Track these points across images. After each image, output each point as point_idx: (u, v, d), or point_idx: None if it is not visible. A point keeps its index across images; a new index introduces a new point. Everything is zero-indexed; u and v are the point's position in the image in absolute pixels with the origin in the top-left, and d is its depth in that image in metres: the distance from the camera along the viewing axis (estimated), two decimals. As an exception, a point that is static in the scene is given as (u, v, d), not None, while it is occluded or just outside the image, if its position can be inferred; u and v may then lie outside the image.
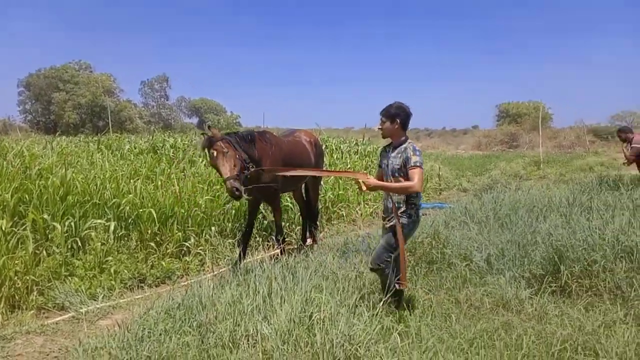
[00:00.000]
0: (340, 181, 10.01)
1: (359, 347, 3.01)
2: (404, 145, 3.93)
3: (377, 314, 3.63)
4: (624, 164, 10.04)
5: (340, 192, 9.42)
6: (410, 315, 4.05)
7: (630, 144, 8.58)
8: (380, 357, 2.96)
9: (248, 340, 3.40)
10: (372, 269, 4.09)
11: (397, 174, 3.90)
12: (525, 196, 7.38)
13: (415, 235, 5.89)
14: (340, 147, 13.27)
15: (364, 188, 3.89)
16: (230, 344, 3.43)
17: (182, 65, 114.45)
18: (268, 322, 3.44)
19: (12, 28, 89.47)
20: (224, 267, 6.01)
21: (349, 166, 11.62)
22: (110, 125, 24.77)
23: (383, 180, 4.05)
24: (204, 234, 6.53)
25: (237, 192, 4.78)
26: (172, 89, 66.38)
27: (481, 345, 3.45)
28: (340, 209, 9.12)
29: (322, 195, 8.85)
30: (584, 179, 11.08)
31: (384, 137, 4.07)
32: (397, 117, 3.93)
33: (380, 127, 4.01)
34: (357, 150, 13.73)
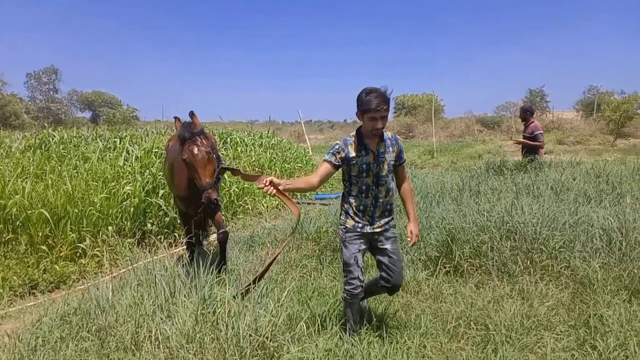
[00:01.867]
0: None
1: (266, 338, 3.03)
2: (388, 135, 3.31)
3: (282, 304, 3.68)
4: (515, 142, 10.80)
5: (245, 186, 9.34)
6: (318, 302, 4.15)
7: (526, 126, 9.15)
8: (287, 346, 3.00)
9: (151, 342, 3.30)
10: (397, 287, 3.47)
11: (388, 173, 3.29)
12: (420, 183, 7.77)
13: (320, 224, 6.05)
14: (244, 140, 13.13)
15: (272, 191, 3.19)
16: (133, 347, 3.31)
17: (74, 57, 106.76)
18: (172, 321, 3.36)
19: None
20: (124, 268, 5.75)
21: (253, 159, 11.54)
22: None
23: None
24: (100, 234, 6.19)
25: (217, 201, 4.14)
26: (64, 82, 61.82)
27: (384, 327, 3.62)
28: (245, 203, 9.06)
29: (227, 189, 8.75)
30: (473, 166, 11.87)
31: (379, 132, 3.17)
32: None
33: (379, 119, 3.09)
34: (262, 143, 13.67)
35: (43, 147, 9.51)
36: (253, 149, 12.62)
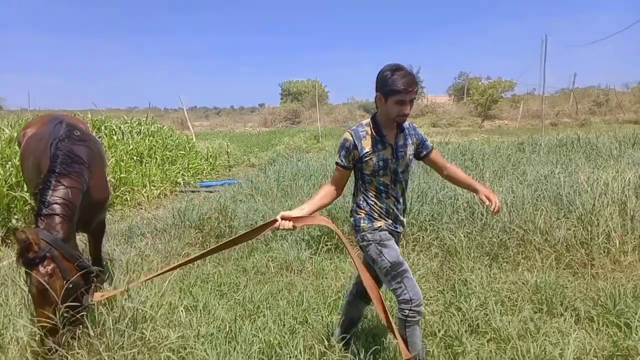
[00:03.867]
0: (122, 163, 9.42)
1: (144, 328, 2.93)
2: (404, 125, 2.69)
3: (163, 293, 3.58)
4: None
5: (122, 175, 8.86)
6: (201, 290, 4.09)
7: None
8: (166, 333, 2.93)
9: (19, 343, 3.05)
10: (419, 308, 2.57)
11: (407, 169, 2.73)
12: (304, 167, 7.93)
13: (203, 212, 5.94)
14: (120, 127, 12.42)
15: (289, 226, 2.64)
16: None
17: None
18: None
19: None
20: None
21: (131, 147, 10.95)
22: None
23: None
24: None
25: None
26: None
27: (266, 307, 3.67)
28: (123, 193, 8.59)
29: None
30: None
31: (405, 119, 2.60)
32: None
33: (408, 102, 2.50)
34: (140, 130, 13.02)
35: None
36: (131, 136, 11.99)
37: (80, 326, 2.81)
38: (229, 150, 14.73)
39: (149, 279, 3.09)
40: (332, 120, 34.94)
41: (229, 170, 13.34)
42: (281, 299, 3.90)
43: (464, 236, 4.68)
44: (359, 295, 2.94)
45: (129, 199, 8.63)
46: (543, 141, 9.22)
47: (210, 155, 13.42)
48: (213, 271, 4.56)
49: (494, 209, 2.70)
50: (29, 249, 2.63)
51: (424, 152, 2.80)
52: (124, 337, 2.83)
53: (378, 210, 2.69)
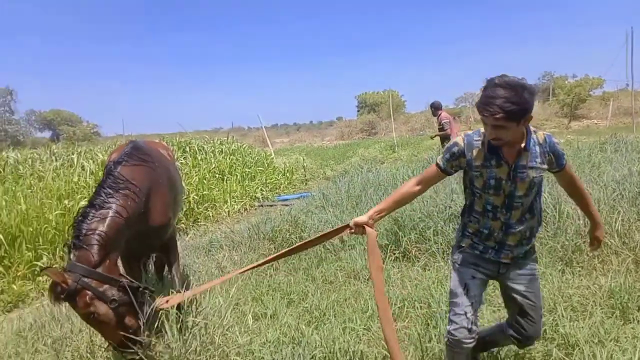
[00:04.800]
0: (205, 181, 10.01)
1: (215, 333, 3.16)
2: (536, 139, 2.29)
3: (235, 303, 3.83)
4: (431, 137, 11.92)
5: (205, 193, 9.41)
6: (272, 298, 4.31)
7: (438, 119, 9.93)
8: (235, 339, 3.15)
9: (106, 348, 3.39)
10: (532, 340, 2.57)
11: (529, 192, 2.32)
12: (374, 177, 8.01)
13: (276, 224, 6.20)
14: (204, 147, 13.18)
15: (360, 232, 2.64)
16: (88, 354, 3.41)
17: (29, 76, 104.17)
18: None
19: None
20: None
21: (213, 166, 11.60)
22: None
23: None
24: (58, 251, 6.19)
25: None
26: (20, 102, 60.35)
27: (332, 314, 3.80)
28: (206, 210, 9.13)
29: (186, 196, 8.80)
30: (428, 157, 12.22)
31: (499, 144, 2.21)
32: (530, 109, 2.12)
33: (492, 128, 2.14)
34: (222, 149, 13.74)
35: (-2, 169, 9.39)
36: (213, 155, 12.67)
37: (156, 333, 2.94)
38: (305, 164, 15.12)
39: (215, 283, 3.26)
40: (409, 129, 34.72)
41: (306, 183, 13.68)
42: (347, 306, 4.02)
43: (536, 241, 4.55)
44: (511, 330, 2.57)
45: (211, 214, 9.14)
46: (628, 139, 8.66)
47: (287, 170, 13.86)
48: (284, 280, 4.77)
49: (593, 248, 2.67)
50: (57, 286, 2.59)
51: (555, 170, 2.40)
52: (196, 340, 3.07)
53: (475, 227, 2.46)
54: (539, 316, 2.47)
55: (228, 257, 5.56)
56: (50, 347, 3.54)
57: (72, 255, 2.77)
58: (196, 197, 9.07)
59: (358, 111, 55.71)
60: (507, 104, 2.02)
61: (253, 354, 3.11)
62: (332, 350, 3.10)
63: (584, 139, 16.88)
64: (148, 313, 2.85)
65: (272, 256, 3.06)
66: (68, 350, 3.45)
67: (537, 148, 2.27)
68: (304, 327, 3.50)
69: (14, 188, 7.71)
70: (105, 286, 2.73)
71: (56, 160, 9.77)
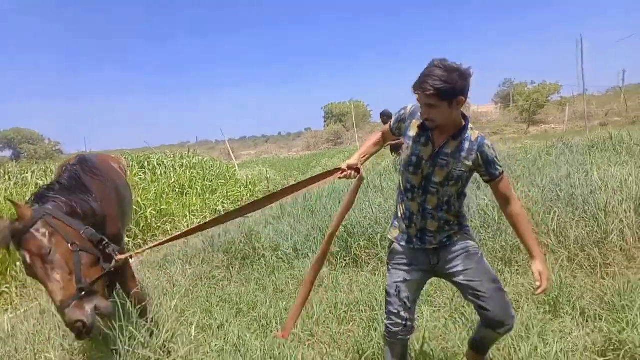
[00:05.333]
0: (164, 196, 9.93)
1: (158, 347, 3.17)
2: (469, 135, 2.30)
3: (181, 315, 3.84)
4: (383, 146, 11.92)
5: (163, 207, 9.34)
6: (221, 309, 4.33)
7: None
8: (177, 349, 3.16)
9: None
10: (502, 321, 2.38)
11: (448, 183, 2.32)
12: (329, 186, 8.10)
13: (230, 236, 6.22)
14: (163, 162, 13.08)
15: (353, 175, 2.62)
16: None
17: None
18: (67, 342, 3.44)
19: None
20: (36, 301, 5.67)
21: (173, 180, 11.51)
22: None
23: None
24: (8, 271, 6.06)
25: (84, 328, 2.42)
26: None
27: (278, 322, 3.85)
28: (164, 224, 9.05)
29: (142, 211, 8.71)
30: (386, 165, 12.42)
31: (431, 125, 2.27)
32: (460, 90, 2.13)
33: (425, 106, 2.20)
34: (183, 163, 13.65)
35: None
36: (173, 170, 12.58)
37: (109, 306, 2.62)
38: (268, 176, 15.14)
39: (155, 245, 3.14)
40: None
41: (269, 195, 13.69)
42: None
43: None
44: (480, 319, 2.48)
45: (169, 229, 9.07)
46: (574, 142, 9.01)
47: (250, 182, 13.85)
48: (235, 291, 4.79)
49: (538, 290, 2.33)
50: (16, 222, 2.43)
51: (485, 178, 2.37)
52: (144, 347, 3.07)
53: (402, 210, 2.49)
54: (492, 291, 2.35)
55: (181, 271, 5.54)
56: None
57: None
58: (154, 212, 8.98)
59: (325, 122, 56.05)
60: (438, 82, 2.06)
61: (194, 363, 3.13)
62: (272, 355, 3.15)
63: (541, 142, 17.46)
64: (107, 269, 2.71)
65: (242, 206, 3.02)
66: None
67: (467, 144, 2.28)
68: (248, 336, 3.53)
69: (-38, 209, 7.51)
70: (69, 229, 2.59)
71: (9, 179, 9.55)
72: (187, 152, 15.30)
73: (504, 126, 30.26)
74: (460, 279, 2.40)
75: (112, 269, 2.78)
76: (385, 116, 9.95)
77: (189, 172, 12.50)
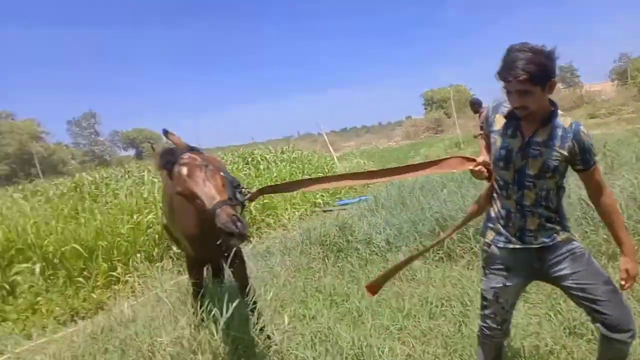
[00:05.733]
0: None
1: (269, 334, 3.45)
2: (560, 122, 2.15)
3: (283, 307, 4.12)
4: (475, 136, 10.79)
5: (266, 201, 9.83)
6: (316, 300, 4.55)
7: (480, 118, 9.44)
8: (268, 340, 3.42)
9: (164, 349, 3.76)
10: (620, 327, 2.14)
11: (544, 175, 2.16)
12: (423, 177, 8.03)
13: (325, 229, 6.44)
14: (266, 157, 13.71)
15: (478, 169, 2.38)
16: (150, 354, 3.80)
17: (109, 98, 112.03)
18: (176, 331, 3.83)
19: None
20: (153, 290, 6.30)
21: (275, 175, 12.03)
22: (39, 171, 24.17)
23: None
24: (131, 262, 6.78)
25: (239, 224, 2.47)
26: (103, 124, 65.26)
27: (369, 314, 3.98)
28: (267, 217, 9.53)
29: (247, 205, 9.20)
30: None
31: (522, 114, 2.12)
32: (552, 72, 2.03)
33: (514, 93, 2.06)
34: (284, 158, 14.21)
35: (77, 189, 10.33)
36: (275, 165, 13.15)
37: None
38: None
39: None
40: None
41: (367, 187, 13.81)
42: (386, 307, 4.17)
43: (579, 236, 4.48)
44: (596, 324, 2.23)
45: (272, 222, 9.54)
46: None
47: (348, 175, 14.05)
48: (330, 283, 4.98)
49: (624, 286, 2.21)
50: (176, 144, 2.86)
51: (579, 167, 2.18)
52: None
53: (496, 210, 2.34)
54: (608, 294, 2.15)
55: (280, 262, 5.86)
56: (117, 347, 3.98)
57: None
58: (258, 205, 9.49)
59: (425, 109, 54.95)
60: (530, 66, 1.95)
61: (289, 350, 3.36)
62: (360, 347, 3.29)
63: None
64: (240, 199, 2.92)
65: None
66: (132, 350, 3.86)
67: (559, 131, 2.12)
68: (338, 326, 3.70)
69: (92, 206, 8.50)
70: (217, 163, 2.94)
71: (129, 177, 10.60)
72: (287, 147, 15.87)
73: (620, 105, 27.62)
74: (569, 282, 2.21)
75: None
76: (476, 104, 9.50)
77: (289, 166, 12.97)
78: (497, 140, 2.25)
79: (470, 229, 5.00)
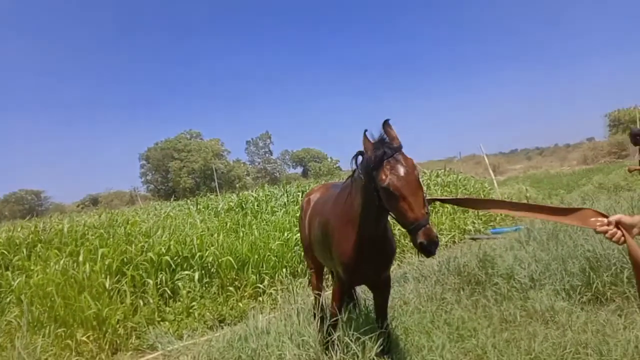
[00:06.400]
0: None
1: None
2: None
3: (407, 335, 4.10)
4: (630, 171, 9.24)
5: (412, 226, 9.75)
6: (442, 332, 4.42)
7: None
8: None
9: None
10: None
11: None
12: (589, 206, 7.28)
13: (467, 259, 6.20)
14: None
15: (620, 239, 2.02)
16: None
17: (281, 120, 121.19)
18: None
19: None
20: (294, 304, 6.67)
21: (426, 196, 11.86)
22: (217, 186, 27.14)
23: None
24: (277, 276, 7.28)
25: (435, 246, 2.64)
26: (274, 144, 70.86)
27: (494, 353, 3.76)
28: (410, 242, 9.43)
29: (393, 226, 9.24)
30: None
31: None
32: None
33: None
34: (437, 181, 13.95)
35: (242, 205, 11.39)
36: (427, 188, 12.97)
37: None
38: (528, 195, 14.25)
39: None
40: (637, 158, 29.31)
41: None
42: (514, 347, 3.90)
43: None
44: None
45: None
46: None
47: (505, 201, 13.27)
48: (460, 316, 4.80)
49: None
50: (393, 138, 2.87)
51: None
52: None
53: None
54: None
55: (414, 290, 5.79)
56: (249, 356, 4.33)
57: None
58: (402, 229, 9.46)
59: (610, 131, 49.25)
60: None
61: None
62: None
63: None
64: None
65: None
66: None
67: None
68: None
69: (251, 221, 9.32)
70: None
71: (287, 196, 11.38)
72: (443, 170, 15.55)
73: None
74: None
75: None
76: (637, 135, 8.18)
77: (441, 191, 12.70)
78: None
79: (625, 271, 4.44)
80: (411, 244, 3.20)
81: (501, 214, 12.41)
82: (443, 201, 3.03)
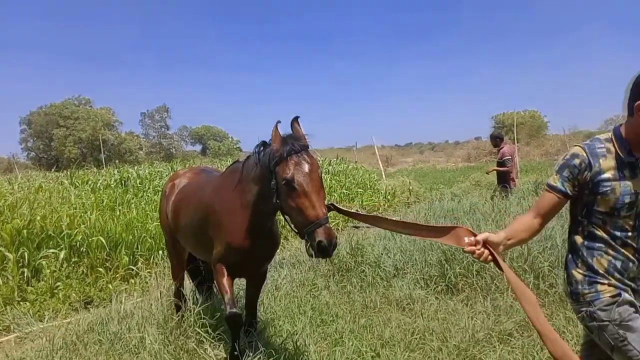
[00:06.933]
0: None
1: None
2: None
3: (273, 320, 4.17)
4: (487, 172, 10.90)
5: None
6: (305, 318, 4.56)
7: (499, 152, 9.16)
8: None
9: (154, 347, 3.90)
10: None
11: None
12: (455, 205, 7.88)
13: (339, 247, 6.43)
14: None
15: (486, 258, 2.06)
16: (135, 349, 3.97)
17: (181, 93, 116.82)
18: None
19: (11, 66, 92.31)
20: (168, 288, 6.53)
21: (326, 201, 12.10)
22: (103, 158, 25.58)
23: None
24: (152, 259, 7.06)
25: (334, 246, 2.70)
26: (173, 119, 67.98)
27: (352, 337, 3.96)
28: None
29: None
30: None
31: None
32: None
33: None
34: (329, 170, 14.27)
35: (123, 182, 10.87)
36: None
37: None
38: (410, 187, 15.06)
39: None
40: (542, 153, 32.52)
41: (408, 207, 13.62)
42: (369, 332, 4.13)
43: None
44: None
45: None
46: None
47: (389, 193, 13.93)
48: (327, 302, 4.98)
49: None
50: (299, 137, 2.89)
51: None
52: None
53: (603, 265, 2.01)
54: None
55: (288, 275, 5.91)
56: (109, 340, 4.18)
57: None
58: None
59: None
60: None
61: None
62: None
63: None
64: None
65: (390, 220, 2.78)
66: (120, 344, 4.05)
67: None
68: (312, 347, 3.72)
69: (133, 200, 8.93)
70: None
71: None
72: (335, 159, 15.94)
73: None
74: None
75: None
76: (497, 138, 9.33)
77: (331, 180, 13.03)
78: (615, 189, 1.94)
79: (474, 265, 4.87)
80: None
81: (384, 205, 13.07)
82: (339, 211, 3.01)
